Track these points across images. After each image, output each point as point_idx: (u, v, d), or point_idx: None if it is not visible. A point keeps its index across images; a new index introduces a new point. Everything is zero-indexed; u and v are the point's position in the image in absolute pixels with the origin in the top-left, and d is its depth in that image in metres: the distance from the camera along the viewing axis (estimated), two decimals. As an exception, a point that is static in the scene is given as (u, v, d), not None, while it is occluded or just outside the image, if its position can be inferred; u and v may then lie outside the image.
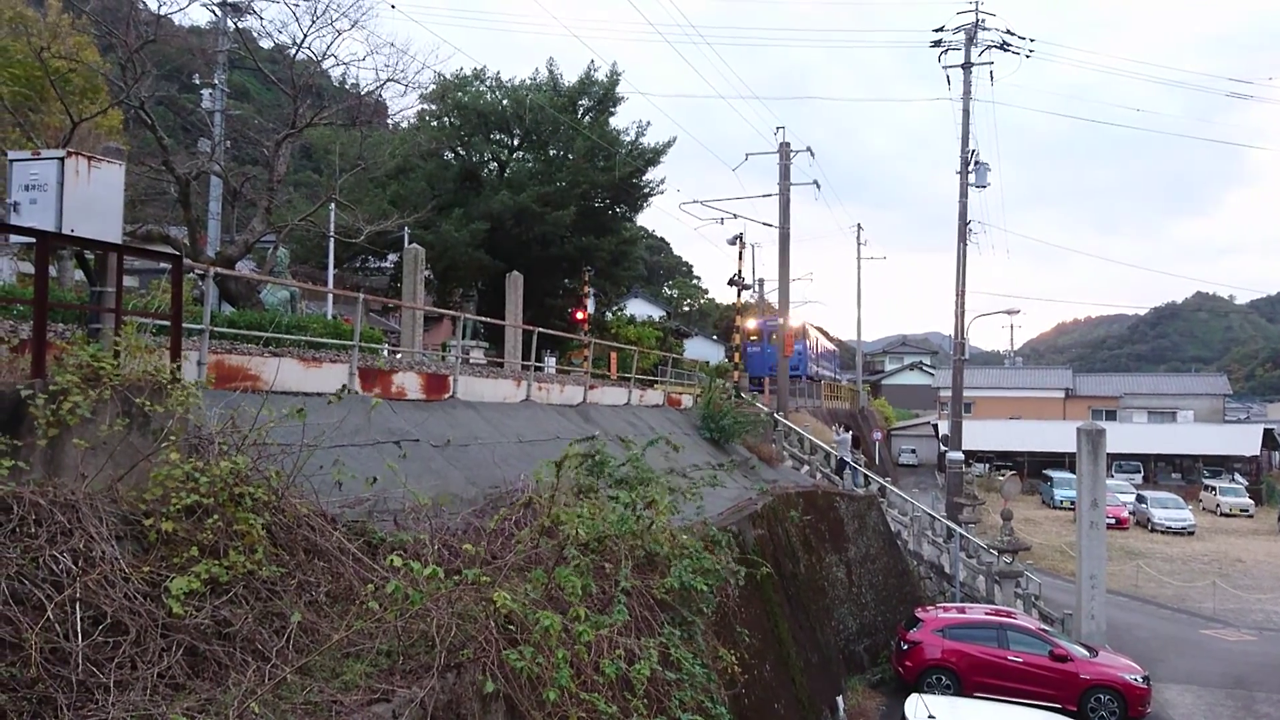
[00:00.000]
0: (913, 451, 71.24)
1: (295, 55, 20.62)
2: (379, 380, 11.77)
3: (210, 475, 6.06)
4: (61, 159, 6.96)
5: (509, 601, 6.39)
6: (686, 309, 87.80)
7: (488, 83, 38.22)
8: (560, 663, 6.40)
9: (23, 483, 5.42)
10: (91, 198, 7.09)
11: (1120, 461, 59.27)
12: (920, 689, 16.80)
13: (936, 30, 34.43)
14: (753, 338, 43.61)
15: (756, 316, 45.51)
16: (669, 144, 39.92)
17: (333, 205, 24.71)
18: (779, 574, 15.00)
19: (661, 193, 42.36)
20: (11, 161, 7.13)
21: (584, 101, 38.40)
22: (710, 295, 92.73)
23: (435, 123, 37.69)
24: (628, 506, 8.97)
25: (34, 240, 6.41)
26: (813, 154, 32.38)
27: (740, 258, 30.68)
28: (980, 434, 56.15)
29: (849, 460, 28.91)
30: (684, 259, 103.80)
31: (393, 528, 7.98)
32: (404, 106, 51.29)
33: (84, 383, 5.89)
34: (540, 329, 16.76)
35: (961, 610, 20.78)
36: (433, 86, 36.11)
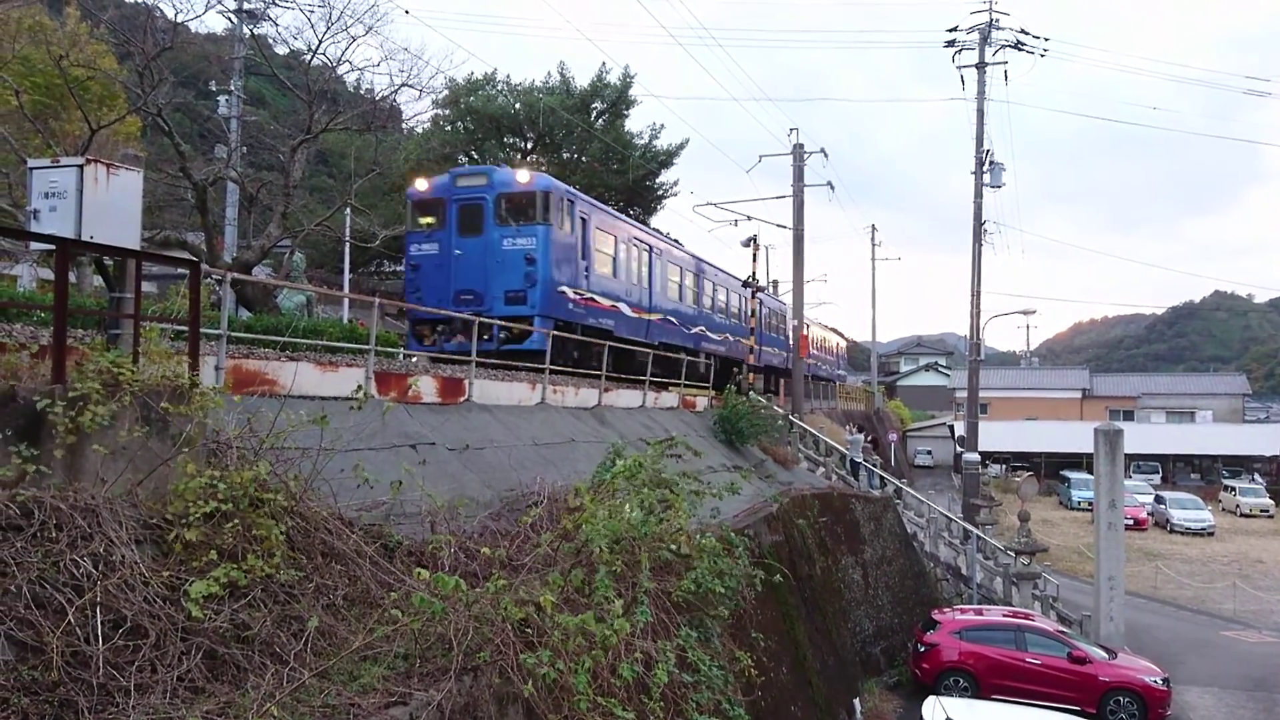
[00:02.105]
0: (928, 453, 70.95)
1: (310, 61, 20.75)
2: (395, 384, 11.81)
3: (230, 483, 6.10)
4: (80, 166, 7.02)
5: (546, 601, 6.42)
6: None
7: (500, 86, 38.38)
8: (578, 667, 6.40)
9: (43, 487, 5.47)
10: (110, 204, 7.15)
11: (1138, 462, 58.86)
12: (938, 691, 16.72)
13: (950, 30, 34.33)
14: (424, 223, 18.62)
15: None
16: (682, 146, 40.07)
17: (348, 210, 24.84)
18: (795, 576, 14.97)
19: (675, 195, 42.42)
20: (31, 169, 7.20)
21: (597, 104, 38.55)
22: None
23: (449, 127, 37.84)
24: (647, 508, 8.96)
25: (53, 247, 6.46)
26: (826, 155, 32.27)
27: (754, 259, 30.59)
28: (996, 435, 55.84)
29: (861, 461, 28.81)
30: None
31: (409, 531, 8.01)
32: (418, 111, 51.57)
33: (104, 388, 5.93)
34: (555, 332, 16.76)
35: (979, 612, 20.68)
36: (446, 91, 36.29)
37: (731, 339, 30.24)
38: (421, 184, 18.85)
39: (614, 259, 21.03)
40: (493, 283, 17.48)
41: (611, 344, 18.98)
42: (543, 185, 18.05)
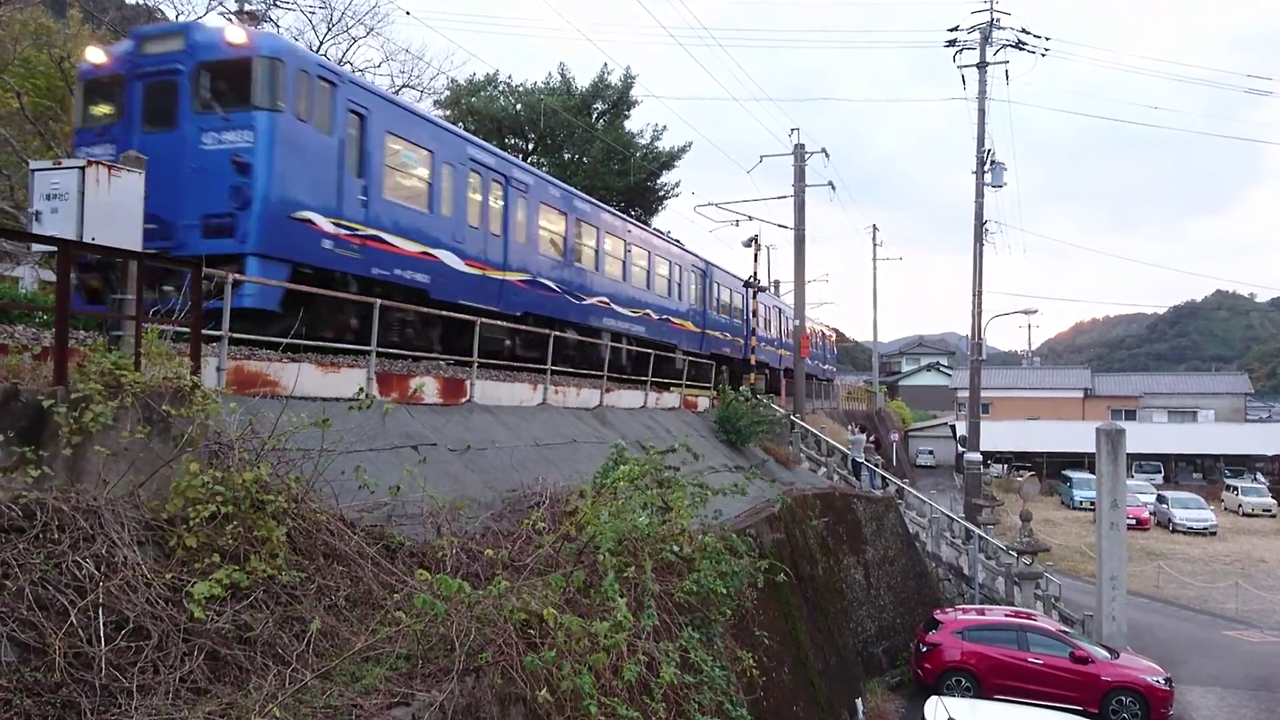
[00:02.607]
0: (930, 453, 70.93)
1: (311, 62, 20.68)
2: (397, 385, 11.82)
3: (231, 484, 6.11)
4: (82, 168, 7.02)
5: (549, 614, 6.42)
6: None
7: (501, 87, 38.40)
8: (582, 668, 6.41)
9: (45, 489, 5.47)
10: (112, 206, 7.16)
11: (1140, 462, 58.84)
12: (940, 691, 16.73)
13: (951, 30, 34.36)
14: (98, 115, 12.32)
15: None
16: (684, 148, 40.09)
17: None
18: (797, 576, 14.97)
19: (676, 195, 42.38)
20: (33, 171, 7.21)
21: (598, 105, 38.57)
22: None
23: (450, 127, 37.84)
24: (649, 509, 8.96)
25: (55, 249, 6.48)
26: (827, 155, 32.27)
27: (755, 260, 30.62)
28: (998, 435, 55.84)
29: (863, 461, 28.80)
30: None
31: (411, 531, 8.01)
32: (419, 112, 51.46)
33: (105, 390, 5.94)
34: (556, 332, 16.74)
35: (981, 612, 20.67)
36: (447, 92, 36.32)
37: (656, 318, 24.00)
38: (96, 54, 12.46)
39: (431, 186, 14.64)
40: (186, 203, 11.33)
41: (426, 310, 13.66)
42: (268, 48, 11.73)
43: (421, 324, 13.35)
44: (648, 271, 23.74)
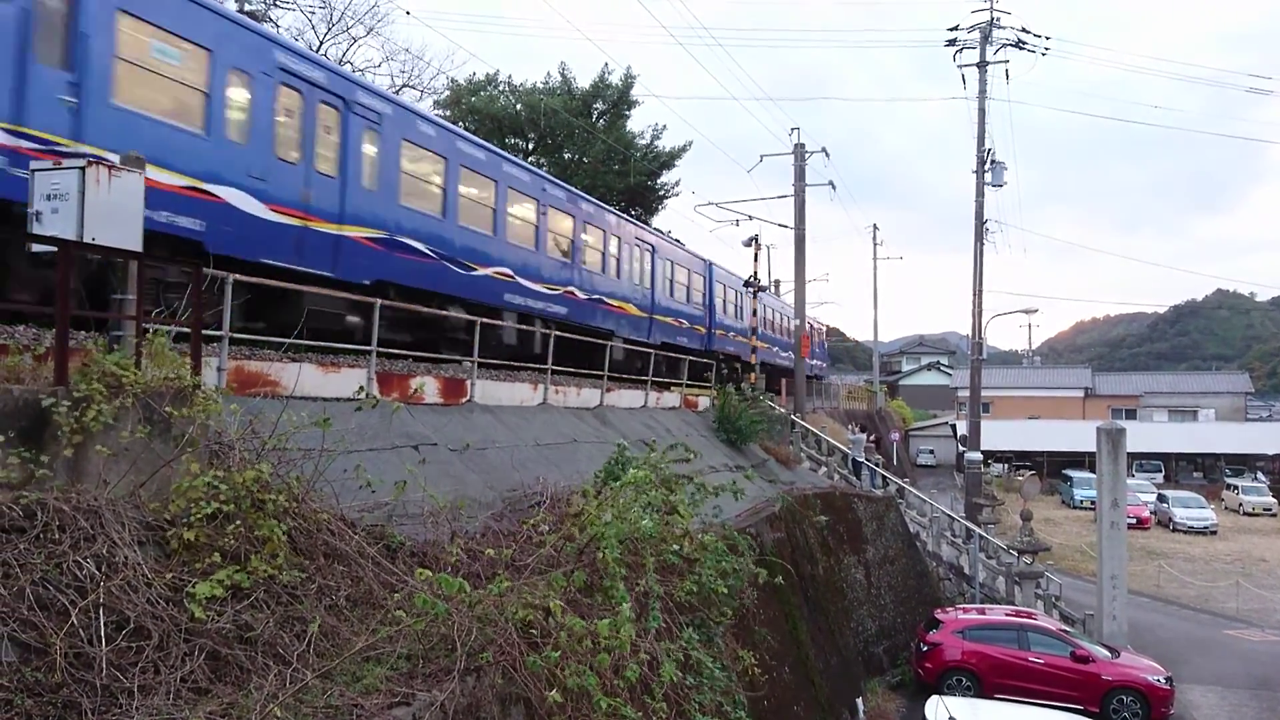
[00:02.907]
0: (931, 452, 70.92)
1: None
2: (397, 385, 11.82)
3: (232, 483, 6.11)
4: (82, 168, 7.02)
5: (555, 607, 6.42)
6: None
7: (501, 87, 38.46)
8: (584, 668, 6.41)
9: (46, 489, 5.48)
10: (112, 206, 7.15)
11: (1141, 461, 58.83)
12: (940, 691, 16.74)
13: (951, 29, 34.35)
14: None
15: None
16: (685, 148, 40.17)
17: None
18: (797, 576, 14.97)
19: (676, 195, 42.46)
20: (33, 171, 7.21)
21: (598, 105, 38.64)
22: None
23: (450, 127, 37.85)
24: (649, 509, 8.95)
25: (56, 249, 6.48)
26: (828, 155, 32.25)
27: (756, 259, 30.58)
28: (999, 434, 55.85)
29: (863, 460, 28.78)
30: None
31: (412, 531, 8.01)
32: (419, 112, 51.50)
33: (106, 390, 5.94)
34: (556, 332, 16.71)
35: (981, 611, 20.67)
36: (448, 91, 36.36)
37: (584, 298, 20.03)
38: None
39: (209, 98, 10.78)
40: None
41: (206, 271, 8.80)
42: None
43: (210, 290, 9.30)
44: (572, 241, 19.67)
